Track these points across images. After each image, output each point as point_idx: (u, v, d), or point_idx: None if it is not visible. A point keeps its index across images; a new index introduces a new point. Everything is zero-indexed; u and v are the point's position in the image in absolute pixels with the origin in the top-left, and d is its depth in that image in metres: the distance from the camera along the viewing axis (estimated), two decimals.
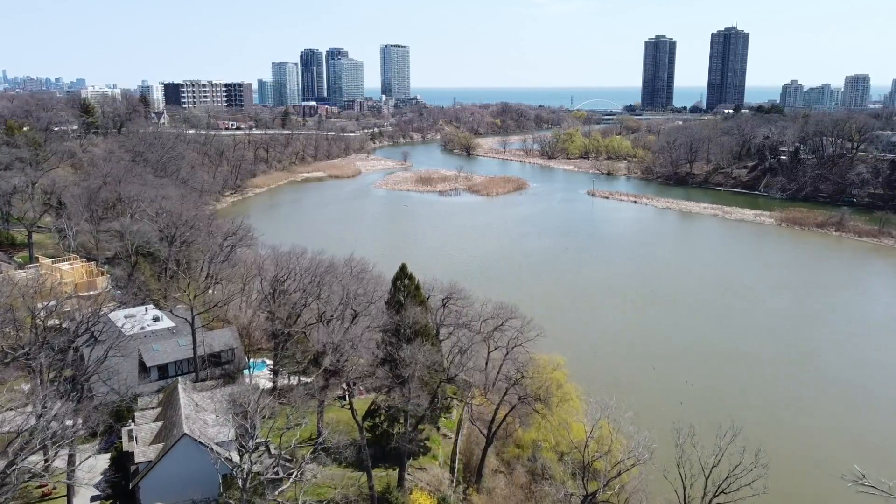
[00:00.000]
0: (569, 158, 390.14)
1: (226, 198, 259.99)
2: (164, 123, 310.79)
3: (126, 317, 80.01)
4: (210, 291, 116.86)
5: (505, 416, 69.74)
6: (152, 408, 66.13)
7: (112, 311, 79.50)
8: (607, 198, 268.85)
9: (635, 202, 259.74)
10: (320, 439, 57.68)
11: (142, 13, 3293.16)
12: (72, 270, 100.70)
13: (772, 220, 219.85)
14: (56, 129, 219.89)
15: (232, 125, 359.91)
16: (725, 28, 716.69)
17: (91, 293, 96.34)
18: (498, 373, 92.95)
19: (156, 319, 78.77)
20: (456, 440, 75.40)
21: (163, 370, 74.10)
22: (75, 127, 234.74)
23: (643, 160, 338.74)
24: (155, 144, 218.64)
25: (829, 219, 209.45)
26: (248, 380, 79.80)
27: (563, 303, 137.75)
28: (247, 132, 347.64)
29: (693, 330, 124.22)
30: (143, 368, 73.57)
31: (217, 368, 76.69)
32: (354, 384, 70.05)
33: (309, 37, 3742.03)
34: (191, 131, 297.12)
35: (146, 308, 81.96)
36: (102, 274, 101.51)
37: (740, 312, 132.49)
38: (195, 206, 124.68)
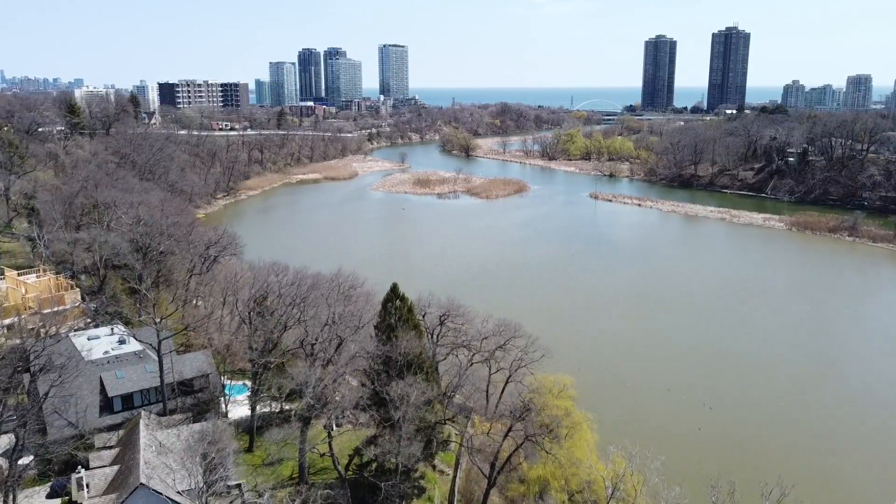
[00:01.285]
0: (570, 160, 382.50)
1: (218, 200, 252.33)
2: (155, 124, 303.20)
3: (90, 338, 72.36)
4: (195, 302, 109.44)
5: (509, 457, 62.10)
6: (110, 447, 58.52)
7: (71, 332, 71.83)
8: (610, 200, 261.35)
9: (639, 205, 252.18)
10: (301, 488, 50.17)
11: (141, 13, 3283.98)
12: (38, 283, 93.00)
13: (781, 225, 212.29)
14: (41, 129, 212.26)
15: (226, 126, 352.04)
16: (727, 28, 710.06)
17: (58, 309, 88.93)
18: (500, 397, 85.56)
19: (122, 342, 70.95)
20: (454, 477, 67.79)
21: (127, 400, 66.25)
22: (61, 127, 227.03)
23: (646, 162, 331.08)
24: (143, 146, 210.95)
25: (841, 223, 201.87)
26: (223, 406, 72.25)
27: (567, 312, 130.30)
28: (241, 133, 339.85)
29: (705, 341, 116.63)
30: (106, 399, 65.83)
31: (189, 397, 68.94)
32: (338, 425, 62.56)
33: (307, 37, 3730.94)
34: (182, 132, 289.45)
35: (112, 329, 74.18)
36: (72, 287, 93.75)
37: (754, 323, 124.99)
38: (177, 213, 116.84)
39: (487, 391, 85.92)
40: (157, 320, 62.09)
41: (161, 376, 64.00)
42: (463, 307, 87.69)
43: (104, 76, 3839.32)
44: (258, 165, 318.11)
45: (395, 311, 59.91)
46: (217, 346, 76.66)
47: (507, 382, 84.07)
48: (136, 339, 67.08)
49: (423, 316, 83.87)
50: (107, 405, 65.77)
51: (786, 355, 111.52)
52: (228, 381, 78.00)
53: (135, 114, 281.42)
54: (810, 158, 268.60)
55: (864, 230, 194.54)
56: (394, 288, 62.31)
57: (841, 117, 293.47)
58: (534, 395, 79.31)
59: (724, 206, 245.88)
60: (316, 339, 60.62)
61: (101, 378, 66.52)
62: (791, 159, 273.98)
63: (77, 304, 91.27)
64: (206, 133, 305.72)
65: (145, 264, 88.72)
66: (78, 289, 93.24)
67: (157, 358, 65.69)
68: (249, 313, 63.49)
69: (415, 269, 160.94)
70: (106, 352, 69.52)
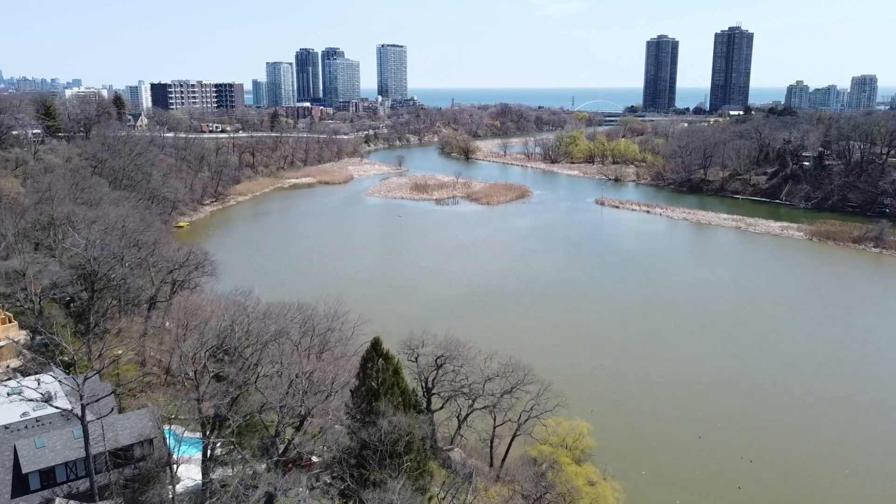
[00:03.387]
0: (573, 163, 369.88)
1: (204, 207, 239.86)
2: (141, 126, 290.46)
3: (9, 394, 59.68)
4: (166, 324, 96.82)
5: None
6: None
7: None
8: (617, 207, 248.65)
9: (648, 212, 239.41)
10: None
11: (141, 14, 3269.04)
12: None
13: (801, 234, 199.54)
14: (15, 133, 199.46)
15: (216, 128, 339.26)
16: (729, 28, 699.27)
17: None
18: (506, 453, 73.18)
19: (47, 399, 58.11)
20: None
21: (48, 477, 53.63)
22: (38, 131, 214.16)
23: (653, 165, 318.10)
24: (121, 150, 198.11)
25: (865, 233, 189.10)
26: (170, 475, 59.47)
27: (575, 336, 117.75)
28: (231, 135, 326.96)
29: (733, 372, 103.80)
30: (20, 475, 53.16)
31: (127, 468, 56.30)
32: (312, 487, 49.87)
33: (305, 37, 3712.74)
34: (169, 135, 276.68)
35: (38, 380, 61.40)
36: (10, 320, 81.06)
37: (785, 349, 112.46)
38: (141, 230, 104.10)
39: (492, 445, 73.66)
40: (80, 382, 49.38)
41: (87, 449, 51.35)
42: (462, 345, 75.34)
43: (103, 77, 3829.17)
44: (249, 169, 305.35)
45: (378, 373, 47.33)
46: (166, 400, 63.99)
47: (514, 436, 71.78)
48: (51, 405, 54.01)
49: (416, 358, 71.61)
50: (21, 483, 53.17)
51: (828, 390, 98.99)
52: (183, 435, 65.38)
53: (118, 115, 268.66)
54: (827, 163, 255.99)
55: (892, 241, 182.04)
56: (375, 344, 49.52)
57: (856, 119, 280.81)
58: (547, 453, 67.11)
59: (736, 212, 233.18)
60: (281, 407, 48.06)
61: (14, 448, 53.96)
62: (806, 163, 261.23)
63: (15, 341, 78.70)
64: (194, 136, 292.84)
65: (91, 296, 75.94)
66: (16, 322, 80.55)
67: (90, 419, 53.16)
68: (195, 373, 50.84)
69: (408, 286, 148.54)
70: (25, 413, 56.83)
